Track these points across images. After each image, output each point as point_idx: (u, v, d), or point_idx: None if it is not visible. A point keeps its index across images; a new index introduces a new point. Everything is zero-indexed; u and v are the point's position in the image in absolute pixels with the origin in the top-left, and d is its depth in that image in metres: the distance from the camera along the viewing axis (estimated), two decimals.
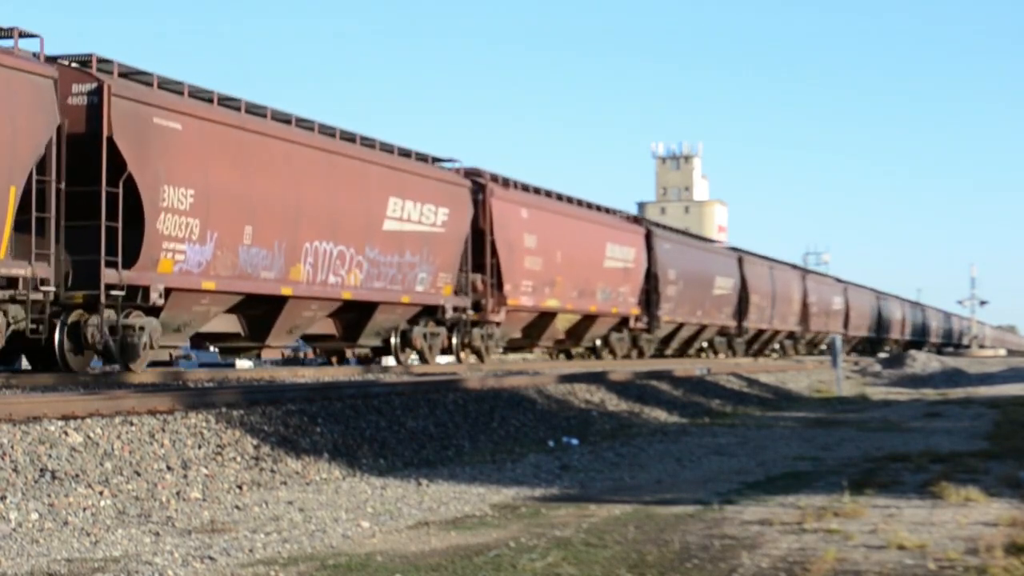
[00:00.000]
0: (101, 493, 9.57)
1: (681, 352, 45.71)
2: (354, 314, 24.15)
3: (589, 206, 36.95)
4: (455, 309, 27.21)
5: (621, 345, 38.61)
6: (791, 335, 59.09)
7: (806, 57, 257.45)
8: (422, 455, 13.67)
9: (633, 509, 9.73)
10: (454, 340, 27.77)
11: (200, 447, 11.36)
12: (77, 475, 9.83)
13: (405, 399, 15.46)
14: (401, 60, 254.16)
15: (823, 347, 64.99)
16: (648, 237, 39.88)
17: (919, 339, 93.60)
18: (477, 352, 28.98)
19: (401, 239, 24.98)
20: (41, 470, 9.71)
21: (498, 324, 29.84)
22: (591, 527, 8.74)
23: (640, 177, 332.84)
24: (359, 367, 24.77)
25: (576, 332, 35.84)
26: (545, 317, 32.87)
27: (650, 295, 39.45)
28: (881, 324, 79.72)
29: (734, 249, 52.52)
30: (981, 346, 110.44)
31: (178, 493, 10.11)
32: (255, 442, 11.98)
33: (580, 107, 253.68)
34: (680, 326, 42.74)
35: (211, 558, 7.50)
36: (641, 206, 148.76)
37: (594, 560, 7.45)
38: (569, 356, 38.50)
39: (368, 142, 24.40)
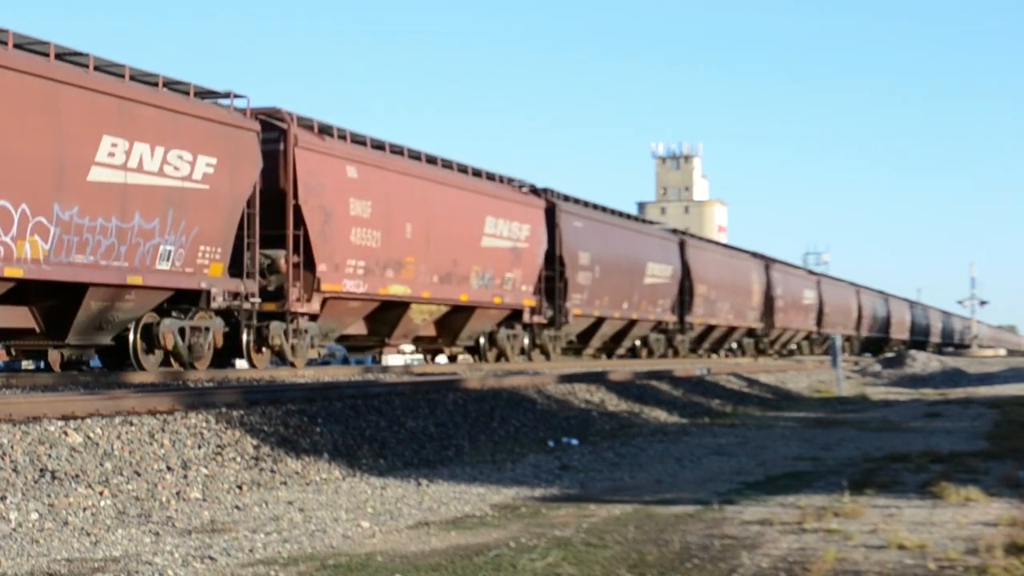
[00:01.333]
0: (101, 493, 9.57)
1: (608, 352, 40.31)
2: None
3: (463, 170, 28.92)
4: (230, 295, 20.52)
5: (515, 343, 31.42)
6: (751, 332, 52.82)
7: (806, 57, 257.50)
8: (422, 455, 13.67)
9: (633, 509, 9.73)
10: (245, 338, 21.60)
11: (200, 447, 11.36)
12: (77, 475, 9.83)
13: (405, 399, 15.46)
14: (401, 60, 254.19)
15: (792, 347, 61.27)
16: (551, 212, 32.77)
17: (897, 336, 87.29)
18: (279, 353, 22.55)
19: (126, 194, 18.08)
20: (41, 470, 9.71)
21: (311, 317, 23.05)
22: (591, 527, 8.74)
23: (640, 177, 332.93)
24: (359, 367, 24.79)
25: (447, 327, 28.73)
26: (391, 308, 25.84)
27: (554, 283, 32.92)
28: (862, 321, 74.61)
29: (675, 231, 46.34)
30: (981, 346, 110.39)
31: (178, 493, 10.10)
32: (255, 442, 11.98)
33: (580, 107, 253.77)
34: (599, 320, 36.34)
35: (211, 558, 7.50)
36: (641, 206, 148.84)
37: (594, 560, 7.45)
38: (452, 359, 31.69)
39: None
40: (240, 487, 10.73)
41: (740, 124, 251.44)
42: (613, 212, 39.18)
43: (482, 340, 30.55)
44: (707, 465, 13.34)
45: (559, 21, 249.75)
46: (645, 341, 41.96)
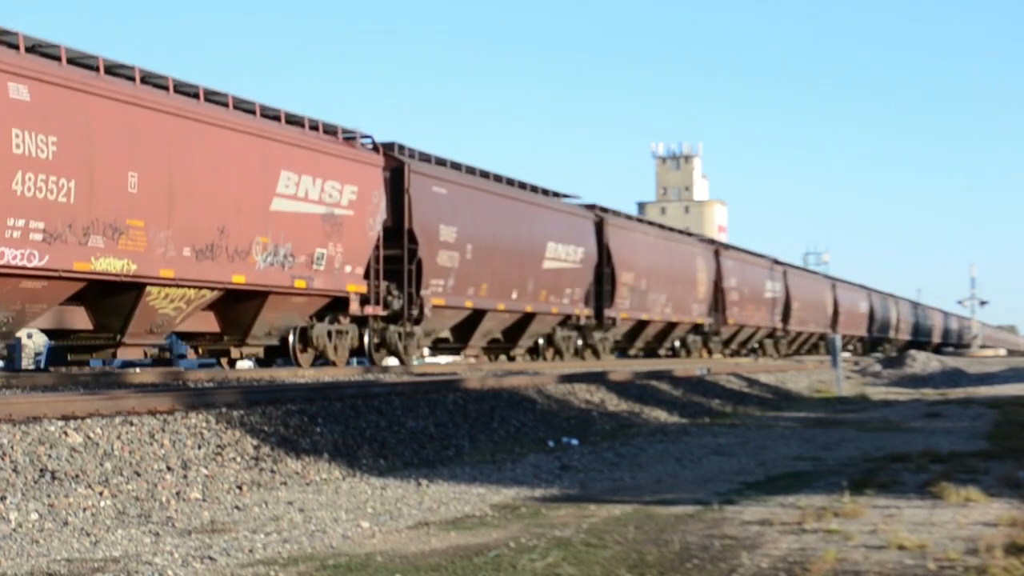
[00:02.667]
0: (101, 493, 9.57)
1: (502, 351, 32.75)
2: None
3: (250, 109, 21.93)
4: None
5: (343, 341, 24.35)
6: (697, 329, 45.60)
7: (806, 57, 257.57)
8: (422, 455, 13.67)
9: (633, 509, 9.73)
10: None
11: (200, 447, 11.36)
12: (77, 475, 9.82)
13: (405, 399, 15.46)
14: (401, 60, 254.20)
15: (754, 346, 55.45)
16: (397, 173, 25.50)
17: (880, 333, 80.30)
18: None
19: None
20: (41, 470, 9.71)
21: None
22: (591, 527, 8.74)
23: (640, 177, 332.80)
24: (359, 367, 24.78)
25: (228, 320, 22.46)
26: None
27: (402, 266, 25.54)
28: (838, 318, 67.66)
29: (591, 207, 36.91)
30: (981, 346, 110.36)
31: (178, 493, 10.10)
32: (255, 442, 11.98)
33: (580, 107, 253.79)
34: (477, 313, 29.07)
35: (211, 558, 7.50)
36: (641, 206, 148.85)
37: (594, 560, 7.45)
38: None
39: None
40: (240, 487, 10.73)
41: (740, 124, 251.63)
42: (498, 178, 30.75)
43: (291, 337, 23.32)
44: (707, 465, 13.34)
45: (559, 21, 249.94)
46: (551, 339, 34.22)
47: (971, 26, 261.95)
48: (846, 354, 58.75)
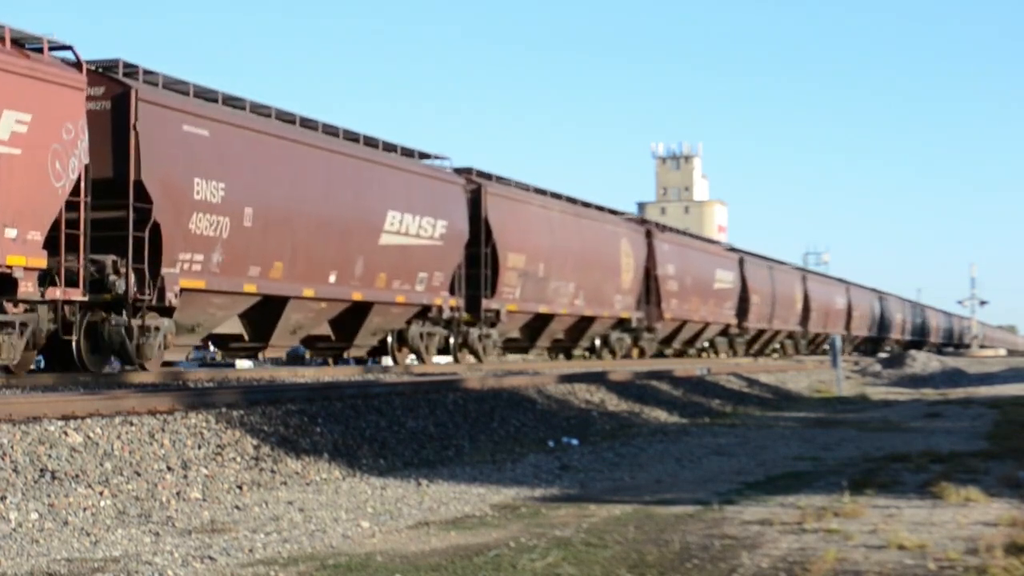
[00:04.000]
0: (101, 493, 9.57)
1: (334, 354, 26.62)
2: None
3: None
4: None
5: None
6: (623, 324, 37.85)
7: (806, 57, 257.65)
8: (422, 455, 13.67)
9: (633, 509, 9.73)
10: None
11: (200, 447, 11.36)
12: (77, 475, 9.83)
13: (405, 399, 15.46)
14: (401, 60, 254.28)
15: (704, 345, 48.81)
16: (120, 102, 18.40)
17: (858, 332, 72.07)
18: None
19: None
20: (41, 470, 9.71)
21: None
22: (591, 527, 8.74)
23: (640, 177, 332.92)
24: (359, 367, 24.85)
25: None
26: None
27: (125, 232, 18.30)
28: (810, 315, 60.63)
29: (463, 171, 29.35)
30: (981, 346, 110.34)
31: (178, 493, 10.11)
32: (255, 442, 11.98)
33: (580, 107, 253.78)
34: (275, 301, 21.82)
35: (211, 558, 7.50)
36: (641, 206, 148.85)
37: (594, 560, 7.45)
38: None
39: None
40: (240, 487, 10.73)
41: (740, 124, 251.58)
42: (310, 124, 23.14)
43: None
44: (707, 465, 13.34)
45: (559, 21, 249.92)
46: (403, 336, 26.54)
47: (971, 26, 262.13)
48: (821, 358, 52.79)
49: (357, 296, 23.86)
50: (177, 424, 11.61)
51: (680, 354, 45.39)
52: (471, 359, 29.05)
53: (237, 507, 9.77)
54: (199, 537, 8.29)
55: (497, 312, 29.50)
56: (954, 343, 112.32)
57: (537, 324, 32.79)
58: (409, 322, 26.43)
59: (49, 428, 10.40)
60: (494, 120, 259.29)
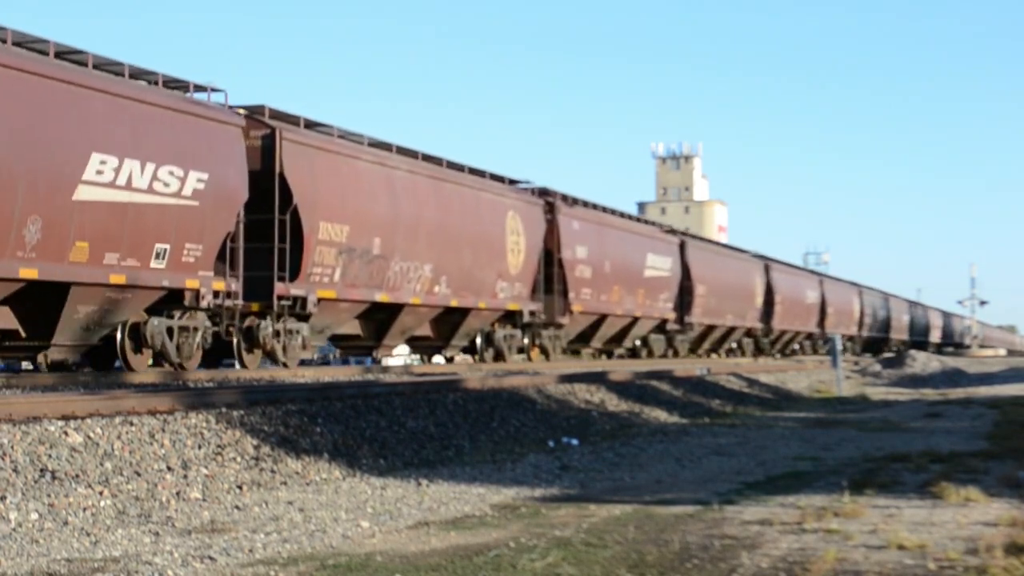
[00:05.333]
0: (101, 493, 9.57)
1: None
2: None
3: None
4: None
5: None
6: (513, 318, 30.74)
7: (806, 57, 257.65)
8: (422, 455, 13.67)
9: (633, 509, 9.73)
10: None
11: (200, 447, 11.36)
12: (77, 475, 9.83)
13: (405, 399, 15.46)
14: (401, 60, 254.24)
15: (636, 343, 41.29)
16: None
17: (830, 327, 62.37)
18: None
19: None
20: (41, 470, 9.71)
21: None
22: (591, 527, 8.74)
23: (640, 177, 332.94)
24: (360, 367, 24.80)
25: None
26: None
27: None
28: (774, 308, 53.84)
29: (248, 109, 22.05)
30: (981, 346, 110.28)
31: (178, 493, 10.11)
32: (255, 442, 11.98)
33: (580, 107, 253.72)
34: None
35: (211, 558, 7.50)
36: (641, 206, 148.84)
37: (594, 560, 7.45)
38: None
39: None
40: (240, 487, 10.73)
41: (740, 124, 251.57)
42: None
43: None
44: (707, 465, 13.34)
45: (559, 21, 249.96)
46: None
47: (971, 26, 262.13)
48: (776, 356, 49.70)
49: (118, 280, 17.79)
50: (177, 424, 11.61)
51: (604, 354, 39.46)
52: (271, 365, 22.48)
53: (237, 507, 9.77)
54: (199, 537, 8.29)
55: (303, 300, 21.87)
56: (954, 343, 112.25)
57: (380, 317, 25.46)
58: (140, 314, 19.09)
59: (49, 428, 10.40)
60: (494, 120, 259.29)
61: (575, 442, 15.76)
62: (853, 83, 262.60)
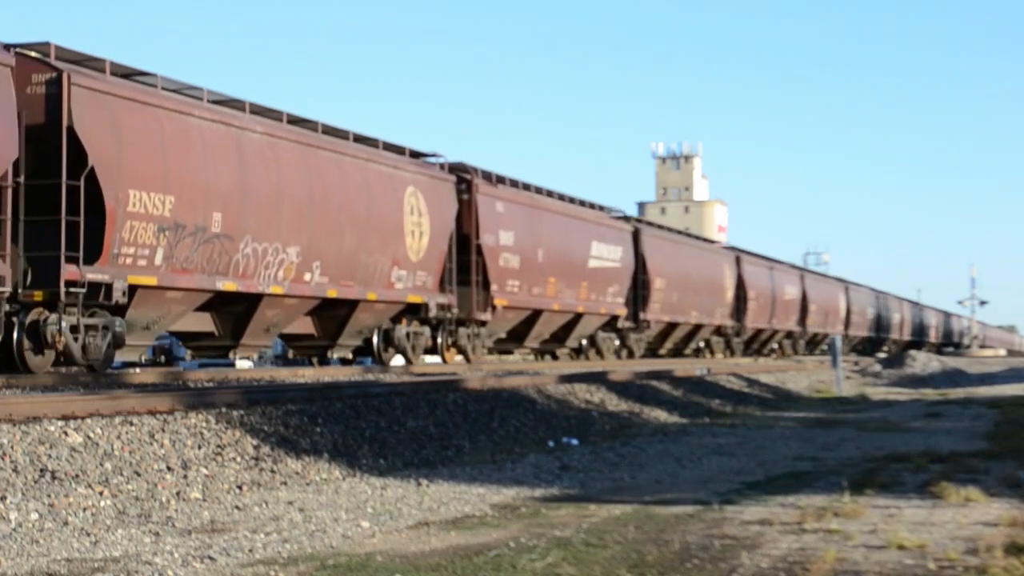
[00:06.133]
0: (101, 493, 9.57)
1: None
2: None
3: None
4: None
5: None
6: (412, 312, 26.08)
7: (806, 57, 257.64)
8: (422, 455, 13.67)
9: (633, 509, 9.73)
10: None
11: (200, 447, 11.36)
12: (77, 475, 9.83)
13: (405, 399, 15.46)
14: (401, 60, 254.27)
15: (582, 343, 36.61)
16: None
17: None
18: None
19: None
20: (41, 470, 9.71)
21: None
22: (591, 527, 8.74)
23: (640, 177, 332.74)
24: (360, 367, 24.67)
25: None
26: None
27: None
28: (746, 305, 49.80)
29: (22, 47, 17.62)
30: (981, 346, 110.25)
31: (178, 493, 10.11)
32: (255, 442, 11.98)
33: (580, 107, 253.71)
34: None
35: (211, 558, 7.50)
36: (641, 206, 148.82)
37: (594, 560, 7.45)
38: None
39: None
40: (240, 487, 10.73)
41: (740, 124, 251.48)
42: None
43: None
44: (707, 465, 13.34)
45: (559, 21, 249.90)
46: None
47: (971, 26, 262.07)
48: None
49: None
50: (177, 424, 11.61)
51: (545, 354, 36.29)
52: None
53: (237, 507, 9.77)
54: (199, 537, 8.29)
55: (107, 287, 17.64)
56: (954, 343, 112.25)
57: (235, 310, 21.35)
58: None
59: (49, 428, 10.40)
60: (494, 120, 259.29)
61: (575, 442, 15.76)
62: (853, 83, 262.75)
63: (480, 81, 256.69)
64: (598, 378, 22.32)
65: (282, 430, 12.62)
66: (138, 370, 18.36)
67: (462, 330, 28.13)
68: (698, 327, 44.99)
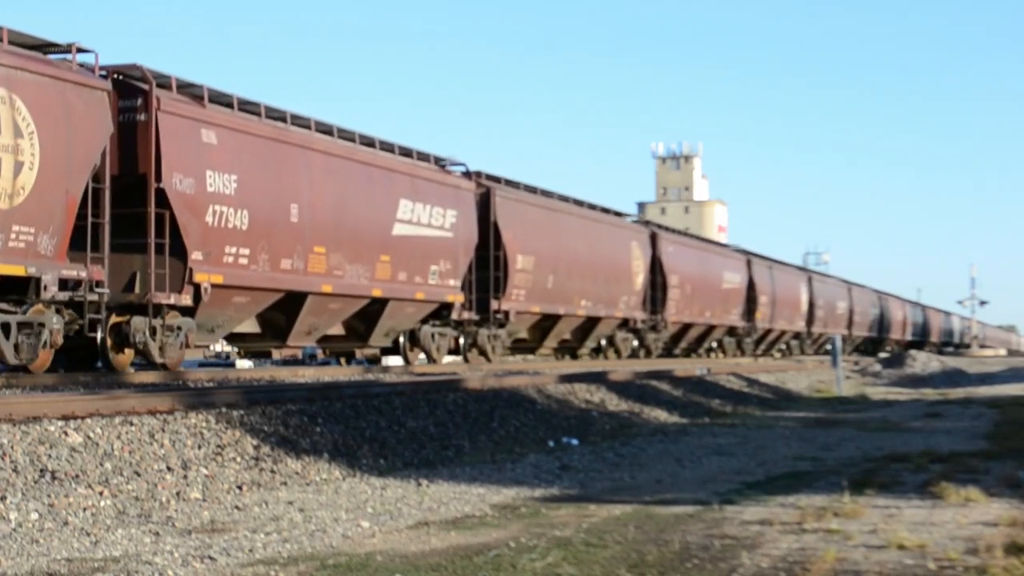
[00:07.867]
0: (101, 493, 9.57)
1: None
2: None
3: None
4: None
5: None
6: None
7: (806, 57, 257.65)
8: (422, 455, 13.67)
9: (633, 509, 9.73)
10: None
11: (200, 447, 11.36)
12: (77, 475, 9.83)
13: (405, 399, 15.46)
14: (401, 60, 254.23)
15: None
16: None
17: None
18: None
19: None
20: (41, 470, 9.71)
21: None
22: (591, 527, 8.74)
23: (640, 177, 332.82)
24: (360, 367, 24.70)
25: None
26: None
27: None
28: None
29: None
30: (981, 346, 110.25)
31: (178, 493, 10.11)
32: (255, 442, 11.98)
33: (580, 107, 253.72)
34: None
35: (211, 558, 7.50)
36: (641, 206, 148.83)
37: (594, 560, 7.45)
38: None
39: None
40: (240, 487, 10.73)
41: (740, 124, 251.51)
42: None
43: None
44: (707, 465, 13.34)
45: (559, 21, 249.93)
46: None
47: (971, 26, 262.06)
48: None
49: None
50: (177, 424, 11.61)
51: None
52: None
53: (237, 507, 9.77)
54: (199, 537, 8.29)
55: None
56: (954, 343, 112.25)
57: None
58: None
59: (49, 428, 10.40)
60: (494, 120, 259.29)
61: (575, 442, 15.76)
62: (853, 83, 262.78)
63: (481, 82, 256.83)
64: (598, 378, 22.31)
65: (282, 430, 12.62)
66: (132, 369, 18.40)
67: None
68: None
